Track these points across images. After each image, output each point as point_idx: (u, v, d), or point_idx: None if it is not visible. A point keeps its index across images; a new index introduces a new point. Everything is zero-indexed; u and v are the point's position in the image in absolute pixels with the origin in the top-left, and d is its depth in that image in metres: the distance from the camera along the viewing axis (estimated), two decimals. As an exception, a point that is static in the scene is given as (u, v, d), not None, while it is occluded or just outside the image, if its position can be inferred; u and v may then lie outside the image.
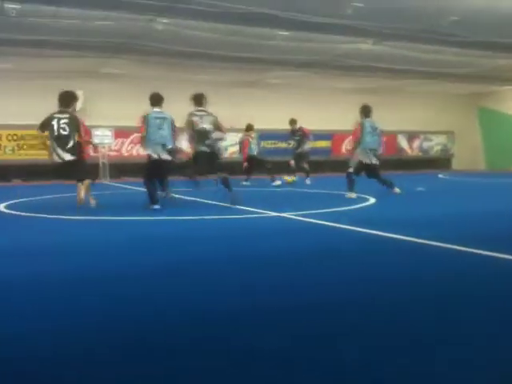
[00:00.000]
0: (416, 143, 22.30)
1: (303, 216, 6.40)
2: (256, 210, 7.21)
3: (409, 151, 22.21)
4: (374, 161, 9.40)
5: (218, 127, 8.18)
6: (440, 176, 17.70)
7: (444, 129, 22.54)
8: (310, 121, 19.56)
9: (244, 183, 13.03)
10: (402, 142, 21.98)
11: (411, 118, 21.13)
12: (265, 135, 19.58)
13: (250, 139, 13.99)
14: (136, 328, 2.48)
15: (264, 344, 2.22)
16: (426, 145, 22.53)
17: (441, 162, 22.77)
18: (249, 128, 14.16)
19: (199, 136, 8.02)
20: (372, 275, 3.46)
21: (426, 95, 21.47)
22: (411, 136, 22.08)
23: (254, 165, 13.74)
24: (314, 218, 6.16)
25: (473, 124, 23.17)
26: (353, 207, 7.58)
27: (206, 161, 8.07)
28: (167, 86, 17.02)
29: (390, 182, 9.66)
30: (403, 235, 4.85)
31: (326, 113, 19.70)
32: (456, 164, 22.96)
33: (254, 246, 4.72)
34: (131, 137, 16.99)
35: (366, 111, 9.58)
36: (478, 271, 3.57)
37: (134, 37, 12.00)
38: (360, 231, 5.25)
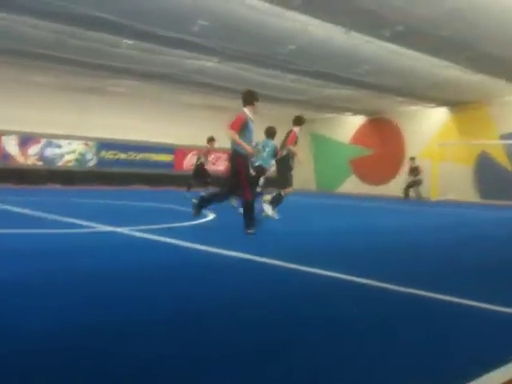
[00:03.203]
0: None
1: (138, 231, 6.24)
2: (92, 224, 6.86)
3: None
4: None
5: None
6: (276, 194, 18.63)
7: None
8: (154, 133, 19.43)
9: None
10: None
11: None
12: (105, 145, 18.91)
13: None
14: None
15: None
16: (264, 164, 23.63)
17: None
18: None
19: None
20: (200, 293, 3.46)
21: (266, 117, 22.53)
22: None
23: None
24: (148, 233, 6.04)
25: (306, 147, 24.90)
26: (192, 223, 7.60)
27: None
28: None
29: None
30: (232, 251, 4.97)
31: (170, 126, 19.67)
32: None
33: (72, 263, 4.34)
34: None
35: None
36: (306, 288, 3.77)
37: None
38: (193, 248, 5.27)
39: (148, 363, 2.13)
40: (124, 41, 11.59)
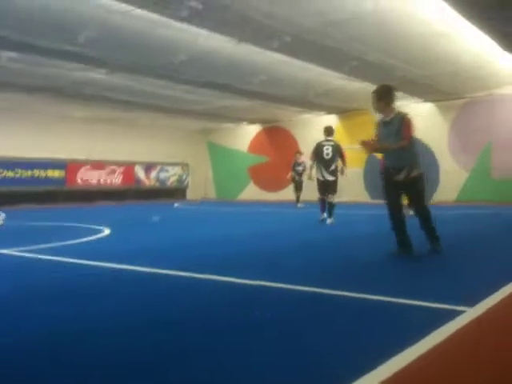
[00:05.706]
0: (153, 174, 22.91)
1: (27, 252, 5.89)
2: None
3: (146, 181, 22.66)
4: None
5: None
6: (175, 205, 18.47)
7: (179, 161, 23.70)
8: (42, 149, 18.47)
9: None
10: (140, 173, 22.32)
11: (148, 150, 21.68)
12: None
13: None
14: None
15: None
16: (162, 175, 23.32)
17: (177, 192, 23.85)
18: None
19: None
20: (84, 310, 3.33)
21: (162, 128, 22.34)
22: (148, 167, 22.60)
23: None
24: (37, 254, 5.72)
25: (204, 157, 24.97)
26: (85, 240, 7.31)
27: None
28: None
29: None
30: (129, 265, 4.85)
31: (59, 141, 18.77)
32: (190, 194, 24.32)
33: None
34: None
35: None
36: (192, 292, 3.75)
37: None
38: (87, 264, 5.07)
39: None
40: (4, 53, 10.91)
